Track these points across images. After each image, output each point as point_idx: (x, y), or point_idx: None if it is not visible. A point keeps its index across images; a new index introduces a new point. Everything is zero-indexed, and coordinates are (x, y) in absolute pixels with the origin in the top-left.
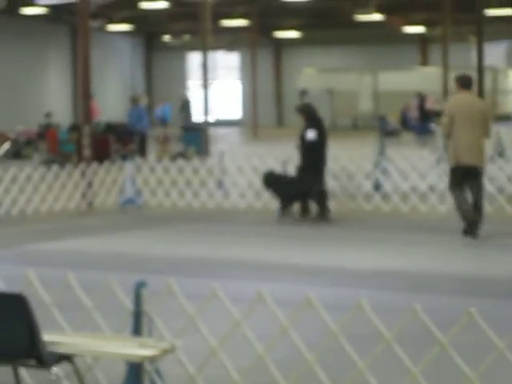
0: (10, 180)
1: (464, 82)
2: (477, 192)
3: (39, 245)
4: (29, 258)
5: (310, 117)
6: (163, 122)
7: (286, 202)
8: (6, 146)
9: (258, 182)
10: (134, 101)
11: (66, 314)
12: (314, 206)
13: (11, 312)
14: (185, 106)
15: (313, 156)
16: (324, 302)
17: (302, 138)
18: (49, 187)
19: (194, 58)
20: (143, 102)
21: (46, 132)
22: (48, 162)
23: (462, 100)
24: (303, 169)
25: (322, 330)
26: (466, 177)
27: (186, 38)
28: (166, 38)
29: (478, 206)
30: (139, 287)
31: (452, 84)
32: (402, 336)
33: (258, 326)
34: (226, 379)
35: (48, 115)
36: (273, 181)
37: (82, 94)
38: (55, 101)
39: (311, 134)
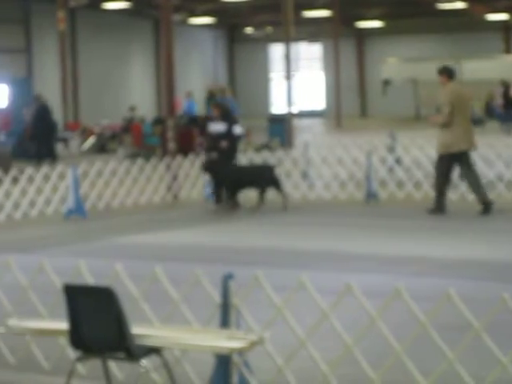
0: (95, 174)
1: (451, 73)
2: (473, 172)
3: (126, 238)
4: (116, 252)
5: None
6: (189, 116)
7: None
8: (91, 140)
9: (342, 173)
10: (222, 92)
11: (154, 306)
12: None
13: (100, 306)
14: (209, 99)
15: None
16: (411, 293)
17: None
18: (134, 180)
19: (276, 50)
20: (229, 93)
21: (131, 126)
22: (133, 156)
23: (458, 90)
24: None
25: (409, 320)
26: (458, 161)
27: (269, 29)
28: (248, 29)
29: (476, 184)
30: (227, 279)
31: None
32: (490, 326)
33: (345, 317)
34: (315, 371)
35: (132, 109)
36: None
37: (166, 87)
38: (139, 94)
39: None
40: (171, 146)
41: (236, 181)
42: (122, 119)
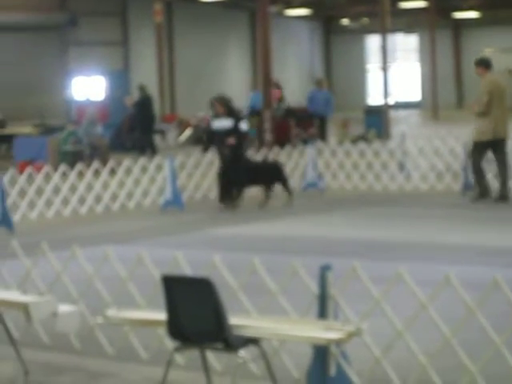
0: (192, 165)
1: (488, 64)
2: (504, 161)
3: (222, 229)
4: (213, 243)
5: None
6: (254, 110)
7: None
8: (188, 132)
9: (439, 164)
10: (319, 84)
11: (252, 297)
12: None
13: (198, 296)
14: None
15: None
16: (509, 284)
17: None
18: None
19: (372, 41)
20: (325, 85)
21: None
22: None
23: (495, 80)
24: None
25: (508, 311)
26: (494, 149)
27: (365, 20)
28: (345, 21)
29: (504, 175)
30: (325, 270)
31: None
32: None
33: (443, 309)
34: (412, 362)
35: (230, 100)
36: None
37: (263, 79)
38: (235, 86)
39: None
40: (268, 137)
41: (247, 178)
42: None
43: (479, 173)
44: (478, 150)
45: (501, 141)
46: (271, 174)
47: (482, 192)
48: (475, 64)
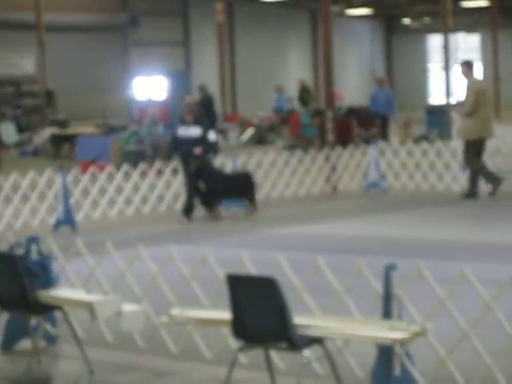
0: (254, 165)
1: (472, 67)
2: (481, 159)
3: (286, 229)
4: (277, 242)
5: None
6: (279, 111)
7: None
8: (250, 131)
9: (505, 165)
10: (380, 83)
11: (316, 297)
12: None
13: (263, 296)
14: (302, 92)
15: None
16: None
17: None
18: (293, 172)
19: (434, 41)
20: (386, 84)
21: (289, 117)
22: (291, 147)
23: (480, 83)
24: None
25: None
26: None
27: (426, 20)
28: (406, 20)
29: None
30: (389, 270)
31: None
32: None
33: (507, 308)
34: (478, 363)
35: (290, 100)
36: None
37: (325, 78)
38: (296, 86)
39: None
40: (330, 137)
41: (222, 190)
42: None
43: (484, 170)
44: (472, 149)
45: (484, 140)
46: (244, 185)
47: (474, 191)
48: (461, 65)
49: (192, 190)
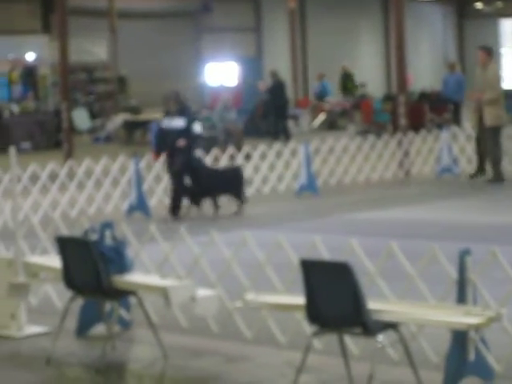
0: (327, 151)
1: (492, 53)
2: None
3: (359, 214)
4: (349, 228)
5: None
6: (321, 97)
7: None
8: (322, 117)
9: None
10: (451, 67)
11: (390, 282)
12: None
13: (337, 280)
14: (344, 78)
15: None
16: None
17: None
18: (365, 157)
19: (507, 25)
20: (458, 69)
21: (361, 102)
22: (363, 132)
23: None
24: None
25: None
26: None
27: (499, 4)
28: (478, 5)
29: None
30: (464, 255)
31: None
32: None
33: None
34: None
35: (362, 86)
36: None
37: (397, 63)
38: (368, 71)
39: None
40: (402, 122)
41: (211, 184)
42: (352, 96)
43: (497, 157)
44: (498, 135)
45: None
46: (232, 181)
47: (497, 177)
48: (480, 49)
49: (178, 188)
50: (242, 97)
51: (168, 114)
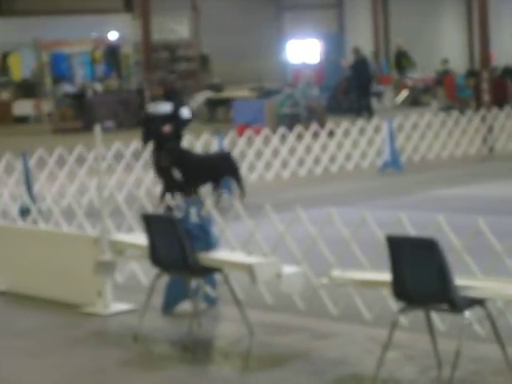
0: (410, 127)
1: None
2: None
3: (443, 190)
4: (434, 204)
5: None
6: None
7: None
8: (404, 93)
9: None
10: None
11: (477, 258)
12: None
13: (423, 257)
14: (398, 56)
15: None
16: None
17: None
18: (449, 133)
19: None
20: None
21: (444, 78)
22: (446, 108)
23: None
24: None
25: None
26: None
27: None
28: None
29: None
30: None
31: None
32: None
33: None
34: None
35: (445, 62)
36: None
37: (480, 39)
38: (451, 47)
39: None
40: (486, 97)
41: (199, 172)
42: (434, 72)
43: None
44: None
45: None
46: (222, 167)
47: None
48: None
49: (168, 184)
50: (324, 73)
51: (153, 98)
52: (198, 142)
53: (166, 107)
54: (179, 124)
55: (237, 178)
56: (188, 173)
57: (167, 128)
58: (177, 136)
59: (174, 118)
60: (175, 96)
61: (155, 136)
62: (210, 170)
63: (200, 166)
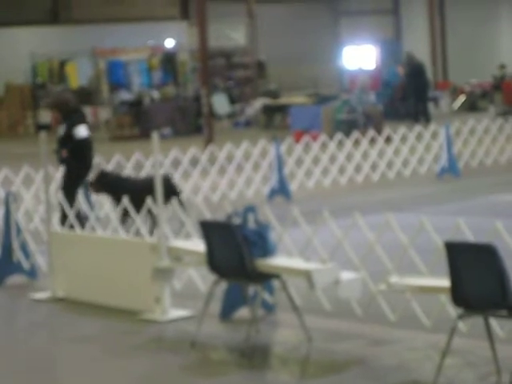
0: (468, 132)
1: None
2: None
3: (501, 196)
4: (493, 210)
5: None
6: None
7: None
8: (462, 98)
9: None
10: None
11: None
12: None
13: (482, 263)
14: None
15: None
16: None
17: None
18: (507, 138)
19: None
20: None
21: (501, 84)
22: (504, 114)
23: None
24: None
25: None
26: None
27: None
28: None
29: None
30: None
31: None
32: None
33: None
34: None
35: (502, 67)
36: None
37: None
38: (508, 52)
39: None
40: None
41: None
42: (492, 77)
43: None
44: None
45: None
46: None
47: None
48: None
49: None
50: (381, 79)
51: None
52: (255, 148)
53: (60, 130)
54: (75, 147)
55: (178, 200)
56: (120, 199)
57: (64, 153)
58: (78, 158)
59: (68, 140)
60: (69, 115)
61: (60, 162)
62: (145, 194)
63: (134, 190)
